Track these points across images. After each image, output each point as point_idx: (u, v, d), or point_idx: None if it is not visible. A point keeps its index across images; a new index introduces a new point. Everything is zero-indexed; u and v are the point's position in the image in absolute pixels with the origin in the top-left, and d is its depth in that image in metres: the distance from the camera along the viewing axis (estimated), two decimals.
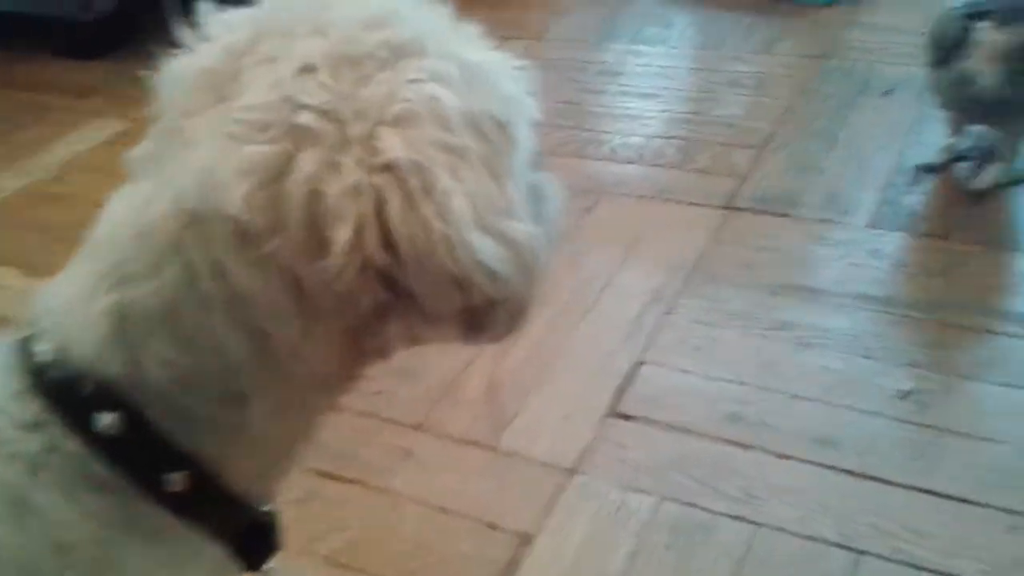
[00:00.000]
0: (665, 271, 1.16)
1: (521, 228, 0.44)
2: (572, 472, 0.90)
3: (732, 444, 0.91)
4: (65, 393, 0.42)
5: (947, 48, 1.17)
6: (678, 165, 1.39)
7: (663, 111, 1.55)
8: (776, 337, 1.04)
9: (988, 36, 1.12)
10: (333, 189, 0.41)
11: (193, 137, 0.44)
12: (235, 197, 0.41)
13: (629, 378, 1.00)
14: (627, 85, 1.65)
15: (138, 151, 0.45)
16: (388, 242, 0.41)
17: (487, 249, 0.43)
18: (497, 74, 0.48)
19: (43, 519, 0.42)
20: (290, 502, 0.51)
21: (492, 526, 0.86)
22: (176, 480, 0.44)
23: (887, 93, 1.51)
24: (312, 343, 0.44)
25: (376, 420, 0.99)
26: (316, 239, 0.41)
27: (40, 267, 1.27)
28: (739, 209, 1.26)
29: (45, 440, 0.42)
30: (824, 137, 1.41)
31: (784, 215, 1.24)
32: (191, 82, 0.47)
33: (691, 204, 1.29)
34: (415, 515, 0.88)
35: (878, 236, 1.18)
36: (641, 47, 1.79)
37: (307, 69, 0.43)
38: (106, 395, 0.42)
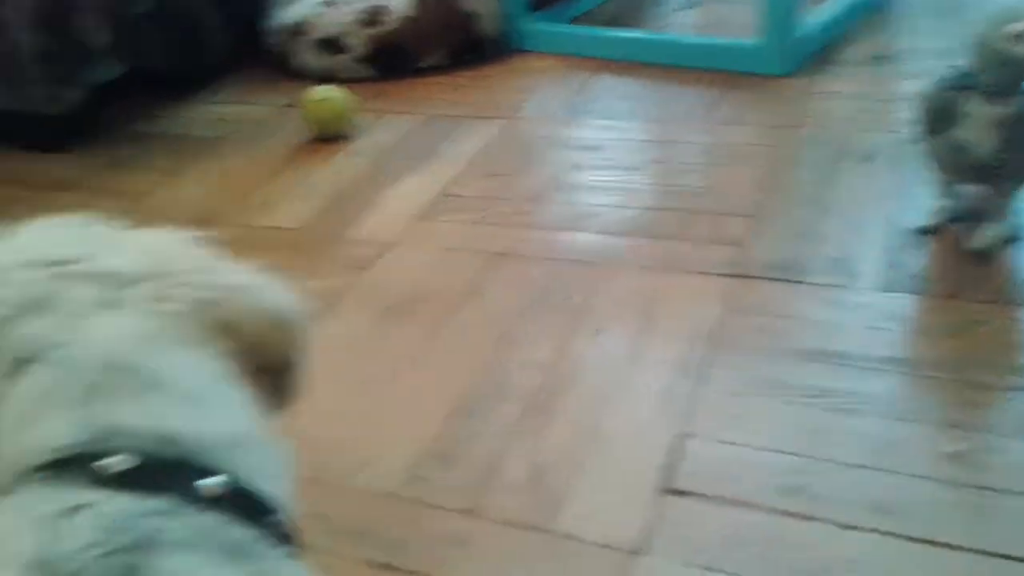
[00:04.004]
0: (687, 341, 1.16)
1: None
2: (636, 553, 0.88)
3: (793, 516, 0.90)
4: (177, 477, 0.46)
5: (940, 118, 1.21)
6: (676, 236, 1.40)
7: (650, 183, 1.58)
8: (814, 404, 1.04)
9: (979, 107, 1.17)
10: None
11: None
12: None
13: (675, 453, 0.99)
14: (610, 159, 1.67)
15: None
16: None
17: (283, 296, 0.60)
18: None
19: None
20: None
21: None
22: (279, 522, 0.50)
23: (869, 159, 1.55)
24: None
25: (423, 506, 0.96)
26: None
27: None
28: (748, 277, 1.28)
29: (187, 523, 0.44)
30: (816, 204, 1.44)
31: (794, 281, 1.26)
32: None
33: (697, 273, 1.30)
34: None
35: (891, 299, 1.20)
36: (615, 122, 1.82)
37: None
38: (202, 467, 0.48)
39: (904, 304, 1.19)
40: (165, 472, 0.46)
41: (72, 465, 0.46)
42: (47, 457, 0.46)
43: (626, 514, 0.93)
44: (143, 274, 0.55)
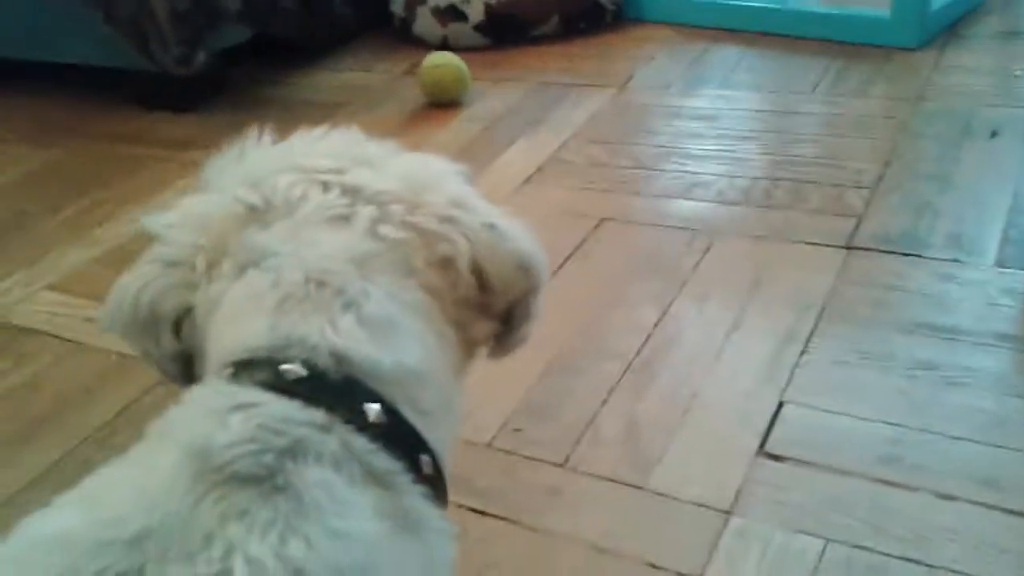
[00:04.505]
0: (793, 311, 1.15)
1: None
2: (729, 513, 0.88)
3: (892, 485, 0.89)
4: (341, 395, 0.48)
5: None
6: (789, 206, 1.38)
7: (765, 153, 1.55)
8: (920, 377, 1.01)
9: None
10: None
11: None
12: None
13: (773, 418, 0.99)
14: (724, 128, 1.65)
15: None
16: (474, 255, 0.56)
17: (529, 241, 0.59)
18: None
19: (359, 515, 0.45)
20: None
21: (654, 566, 0.84)
22: (427, 463, 0.51)
23: (994, 135, 1.49)
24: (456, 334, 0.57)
25: (518, 457, 0.98)
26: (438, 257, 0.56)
27: None
28: (861, 249, 1.25)
29: (339, 440, 0.46)
30: (936, 178, 1.39)
31: (909, 255, 1.22)
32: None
33: (809, 244, 1.28)
34: (570, 553, 0.87)
35: (1009, 275, 1.16)
36: (731, 92, 1.79)
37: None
38: (367, 391, 0.49)
39: (1022, 280, 1.14)
40: (332, 388, 0.48)
41: (255, 367, 0.49)
42: (238, 356, 0.50)
43: (721, 475, 0.93)
44: (386, 195, 0.55)
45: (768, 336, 1.11)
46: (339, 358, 0.49)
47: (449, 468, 0.55)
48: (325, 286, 0.51)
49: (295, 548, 0.41)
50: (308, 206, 0.54)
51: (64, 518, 0.43)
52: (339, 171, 0.56)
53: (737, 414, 1.00)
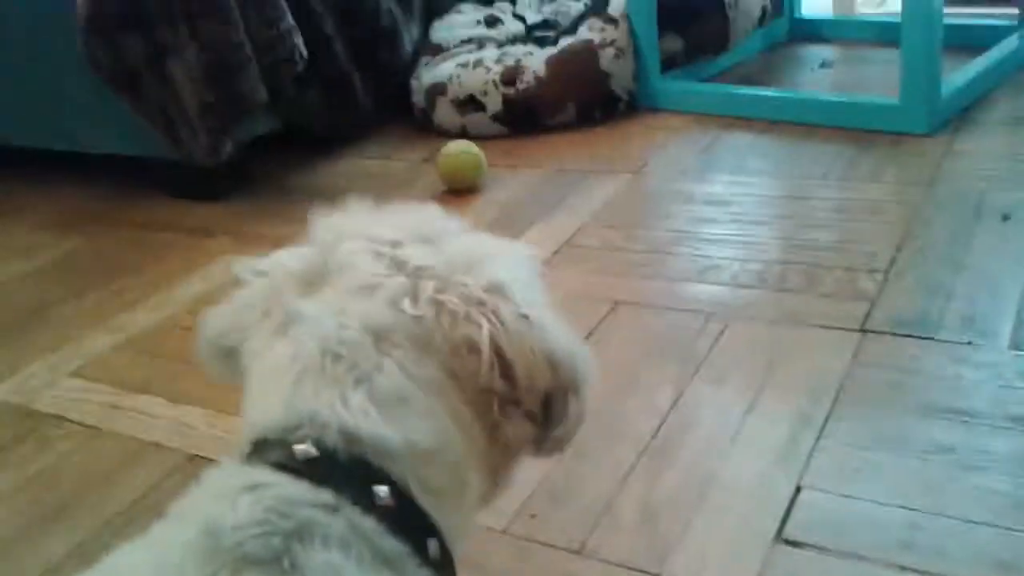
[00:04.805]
0: (808, 395, 1.15)
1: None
2: None
3: (909, 571, 0.88)
4: (349, 475, 0.49)
5: None
6: (803, 290, 1.39)
7: (778, 238, 1.57)
8: (938, 461, 1.01)
9: None
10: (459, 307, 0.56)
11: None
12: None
13: (791, 504, 0.98)
14: (738, 213, 1.68)
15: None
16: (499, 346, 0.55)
17: (566, 338, 0.58)
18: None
19: None
20: None
21: None
22: (433, 546, 0.50)
23: (1006, 218, 1.51)
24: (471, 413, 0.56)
25: (534, 544, 0.98)
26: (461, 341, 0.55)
27: (182, 395, 1.30)
28: (875, 332, 1.26)
29: (346, 521, 0.47)
30: (949, 261, 1.40)
31: (923, 338, 1.23)
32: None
33: (823, 328, 1.29)
34: None
35: (1023, 358, 1.16)
36: (744, 178, 1.82)
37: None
38: (376, 471, 0.50)
39: None
40: (341, 468, 0.49)
41: (268, 446, 0.50)
42: (256, 434, 0.52)
43: (739, 562, 0.92)
44: (424, 271, 0.56)
45: (784, 420, 1.11)
46: (349, 436, 0.50)
47: (462, 550, 0.55)
48: (340, 359, 0.52)
49: None
50: (351, 273, 0.56)
51: None
52: (397, 243, 0.58)
53: (754, 499, 1.00)
